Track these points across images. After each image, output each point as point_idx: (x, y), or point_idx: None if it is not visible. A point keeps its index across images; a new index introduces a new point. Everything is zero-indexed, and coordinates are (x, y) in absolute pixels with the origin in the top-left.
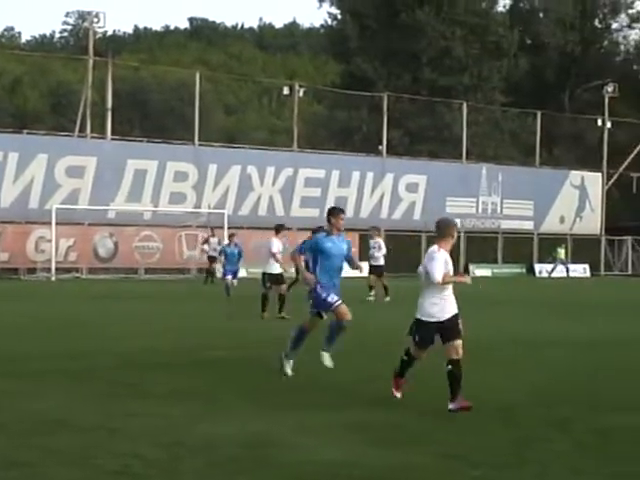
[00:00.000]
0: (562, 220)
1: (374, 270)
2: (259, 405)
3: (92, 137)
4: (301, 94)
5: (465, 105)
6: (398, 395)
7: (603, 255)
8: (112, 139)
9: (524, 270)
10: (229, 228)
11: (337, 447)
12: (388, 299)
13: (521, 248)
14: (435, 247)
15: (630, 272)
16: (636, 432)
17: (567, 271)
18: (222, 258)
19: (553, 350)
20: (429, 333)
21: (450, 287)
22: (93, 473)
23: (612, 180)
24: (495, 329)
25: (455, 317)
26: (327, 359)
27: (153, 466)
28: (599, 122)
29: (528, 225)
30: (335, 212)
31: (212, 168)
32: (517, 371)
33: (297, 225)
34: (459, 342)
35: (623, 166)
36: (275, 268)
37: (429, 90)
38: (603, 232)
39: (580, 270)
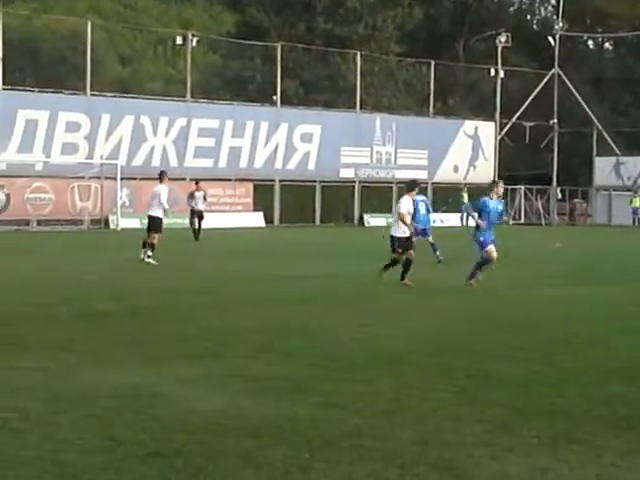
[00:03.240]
0: (456, 169)
1: None
2: (139, 357)
3: None
4: (194, 44)
5: (359, 55)
6: None
7: None
8: (3, 89)
9: None
10: (122, 179)
11: (218, 398)
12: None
13: None
14: None
15: (523, 221)
16: (512, 379)
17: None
18: None
19: (441, 297)
20: None
21: None
22: None
23: (505, 129)
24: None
25: None
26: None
27: (32, 420)
28: (492, 72)
29: (422, 174)
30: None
31: (105, 118)
32: (401, 318)
33: (191, 175)
34: None
35: (516, 115)
36: (403, 230)
37: (324, 40)
38: (494, 180)
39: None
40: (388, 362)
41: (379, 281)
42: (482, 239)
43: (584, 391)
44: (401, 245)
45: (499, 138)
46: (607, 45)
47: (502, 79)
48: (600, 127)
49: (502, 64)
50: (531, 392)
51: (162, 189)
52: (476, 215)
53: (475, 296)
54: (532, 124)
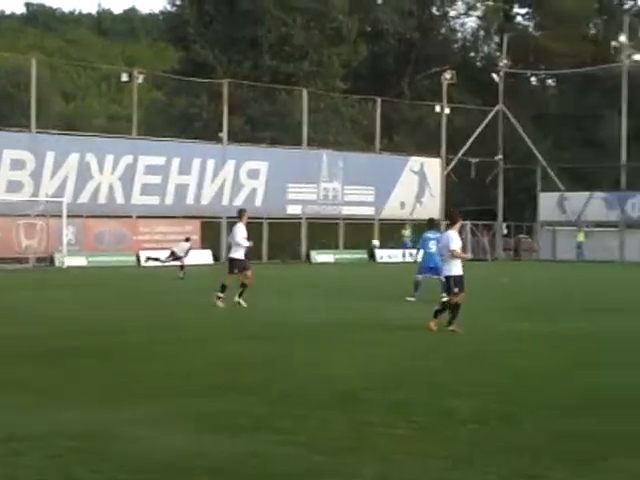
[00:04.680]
0: (402, 206)
1: None
2: (95, 396)
3: None
4: (140, 81)
5: (305, 92)
6: None
7: None
8: None
9: (365, 256)
10: (68, 217)
11: (178, 436)
12: None
13: (362, 234)
14: None
15: (470, 256)
16: (469, 415)
17: (404, 254)
18: None
19: (399, 333)
20: None
21: None
22: None
23: (451, 165)
24: (334, 313)
25: None
26: None
27: None
28: (437, 108)
29: (369, 211)
30: None
31: (50, 156)
32: (355, 354)
33: (137, 213)
34: None
35: (462, 152)
36: (458, 268)
37: (270, 77)
38: (443, 217)
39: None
40: (344, 399)
41: (451, 333)
42: None
43: (541, 426)
44: (458, 284)
45: (445, 174)
46: (549, 82)
47: (447, 115)
48: (544, 163)
49: (447, 101)
50: (488, 428)
51: (237, 228)
52: None
53: (428, 332)
54: (477, 160)
